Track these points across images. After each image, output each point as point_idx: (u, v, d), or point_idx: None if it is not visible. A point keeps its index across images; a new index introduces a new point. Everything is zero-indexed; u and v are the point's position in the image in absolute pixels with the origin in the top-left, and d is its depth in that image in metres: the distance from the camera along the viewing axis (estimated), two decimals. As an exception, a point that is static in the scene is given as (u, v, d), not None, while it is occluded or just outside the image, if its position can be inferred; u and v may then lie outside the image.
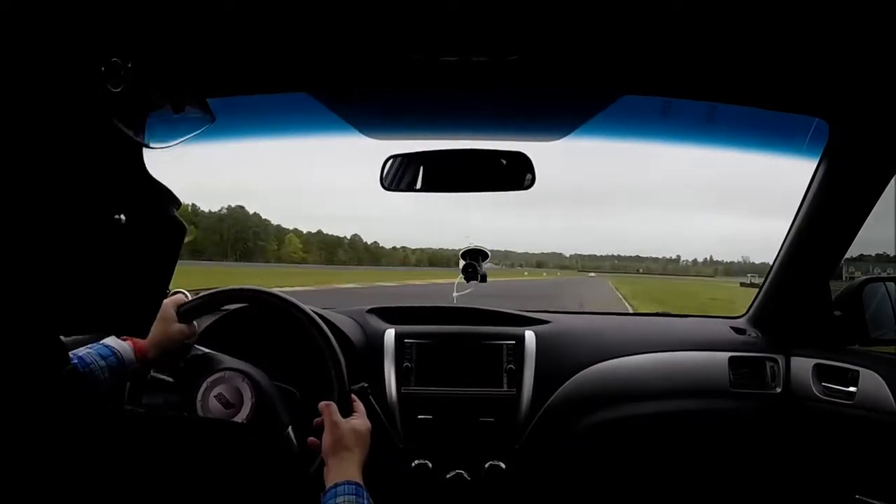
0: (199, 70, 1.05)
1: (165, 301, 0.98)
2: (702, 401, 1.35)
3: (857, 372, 1.17)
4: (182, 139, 0.62)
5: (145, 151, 0.53)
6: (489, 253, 1.47)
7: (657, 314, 1.72)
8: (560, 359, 1.37)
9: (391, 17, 0.88)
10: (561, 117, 1.28)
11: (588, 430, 1.34)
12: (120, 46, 0.45)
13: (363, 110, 1.27)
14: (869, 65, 0.98)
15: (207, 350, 1.02)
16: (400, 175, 1.25)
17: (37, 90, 0.41)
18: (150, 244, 0.50)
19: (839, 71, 1.02)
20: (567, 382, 1.35)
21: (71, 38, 0.42)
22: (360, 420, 0.92)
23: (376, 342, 1.37)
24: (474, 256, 1.45)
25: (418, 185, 1.25)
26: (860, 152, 1.20)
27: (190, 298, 1.03)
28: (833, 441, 1.25)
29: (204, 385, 0.95)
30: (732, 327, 1.47)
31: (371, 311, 1.49)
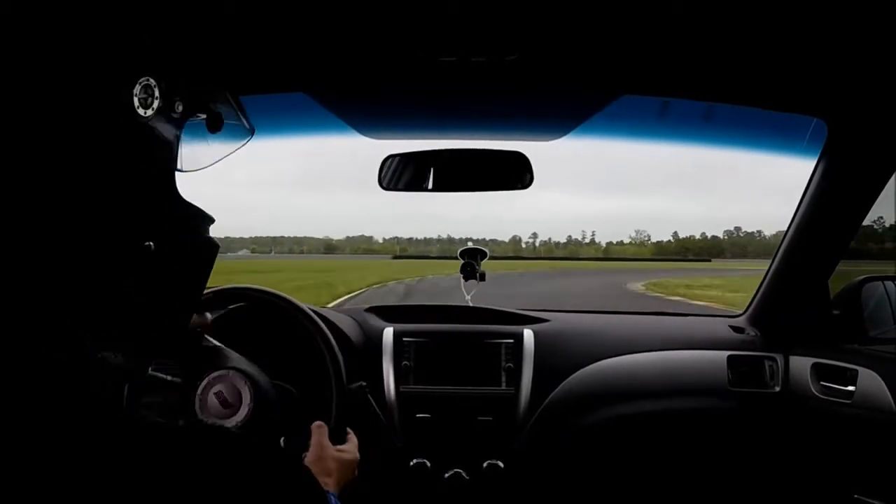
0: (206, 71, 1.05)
1: None
2: (700, 400, 1.35)
3: (856, 371, 1.17)
4: (219, 158, 0.60)
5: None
6: (487, 252, 1.48)
7: (656, 313, 1.72)
8: (559, 357, 1.37)
9: (390, 17, 0.88)
10: (559, 117, 1.28)
11: (587, 429, 1.35)
12: (150, 62, 0.45)
13: (361, 110, 1.27)
14: (867, 64, 0.98)
15: (218, 343, 1.01)
16: (398, 175, 1.25)
17: (67, 114, 0.41)
18: (180, 268, 0.49)
19: (838, 71, 1.02)
20: (566, 381, 1.35)
21: (99, 57, 0.42)
22: (348, 450, 0.88)
23: (375, 341, 1.37)
24: (472, 255, 1.45)
25: (416, 185, 1.25)
26: (859, 152, 1.20)
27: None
28: (832, 440, 1.25)
29: (206, 380, 0.95)
30: (731, 326, 1.47)
31: (370, 309, 1.49)
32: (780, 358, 1.35)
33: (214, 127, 0.55)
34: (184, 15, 0.83)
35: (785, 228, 1.35)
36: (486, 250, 1.48)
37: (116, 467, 0.39)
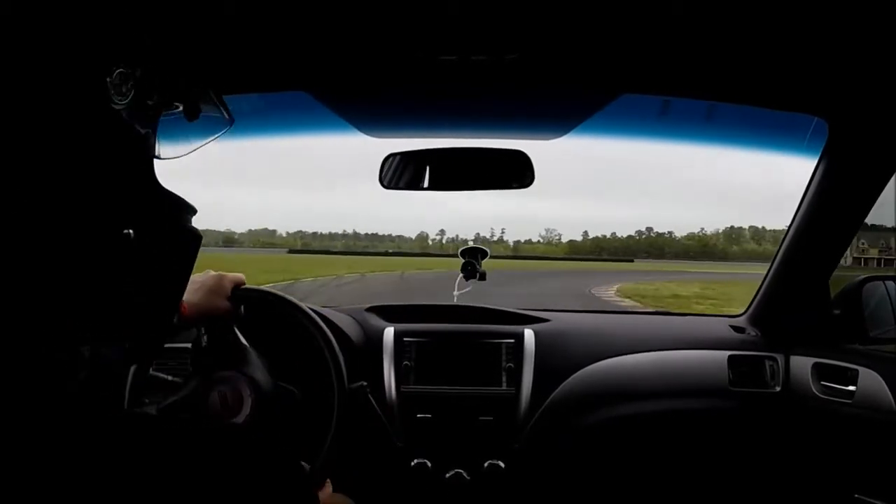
0: (208, 70, 1.05)
1: (226, 275, 0.96)
2: (701, 400, 1.35)
3: (857, 371, 1.17)
4: (196, 147, 0.60)
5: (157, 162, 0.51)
6: (488, 251, 1.47)
7: (657, 312, 1.71)
8: (559, 357, 1.37)
9: (391, 16, 0.88)
10: (560, 116, 1.28)
11: (587, 429, 1.34)
12: (125, 51, 0.45)
13: (363, 109, 1.27)
14: (868, 63, 0.98)
15: (246, 343, 1.00)
16: (399, 173, 1.25)
17: (41, 101, 0.40)
18: (162, 257, 0.49)
19: (839, 70, 1.02)
20: (566, 381, 1.35)
21: (76, 45, 0.42)
22: (324, 494, 0.86)
23: (376, 341, 1.37)
24: (473, 255, 1.44)
25: (417, 184, 1.25)
26: (860, 151, 1.19)
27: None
28: (832, 440, 1.25)
29: (215, 376, 0.95)
30: (732, 326, 1.47)
31: (370, 309, 1.49)
32: (780, 358, 1.35)
33: (192, 116, 0.54)
34: (185, 13, 0.83)
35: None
36: (487, 249, 1.47)
37: (114, 465, 0.39)
